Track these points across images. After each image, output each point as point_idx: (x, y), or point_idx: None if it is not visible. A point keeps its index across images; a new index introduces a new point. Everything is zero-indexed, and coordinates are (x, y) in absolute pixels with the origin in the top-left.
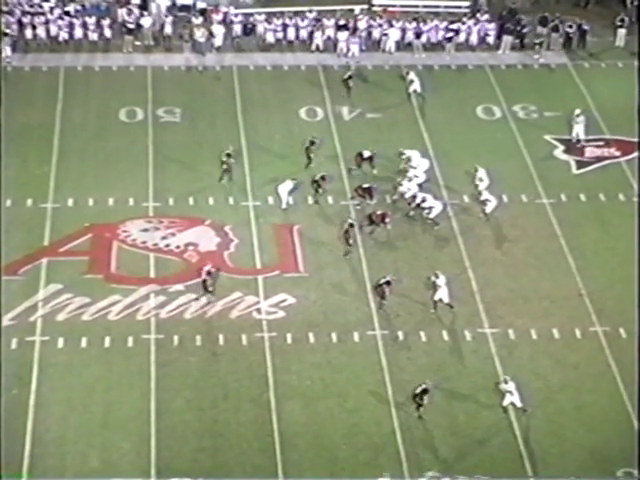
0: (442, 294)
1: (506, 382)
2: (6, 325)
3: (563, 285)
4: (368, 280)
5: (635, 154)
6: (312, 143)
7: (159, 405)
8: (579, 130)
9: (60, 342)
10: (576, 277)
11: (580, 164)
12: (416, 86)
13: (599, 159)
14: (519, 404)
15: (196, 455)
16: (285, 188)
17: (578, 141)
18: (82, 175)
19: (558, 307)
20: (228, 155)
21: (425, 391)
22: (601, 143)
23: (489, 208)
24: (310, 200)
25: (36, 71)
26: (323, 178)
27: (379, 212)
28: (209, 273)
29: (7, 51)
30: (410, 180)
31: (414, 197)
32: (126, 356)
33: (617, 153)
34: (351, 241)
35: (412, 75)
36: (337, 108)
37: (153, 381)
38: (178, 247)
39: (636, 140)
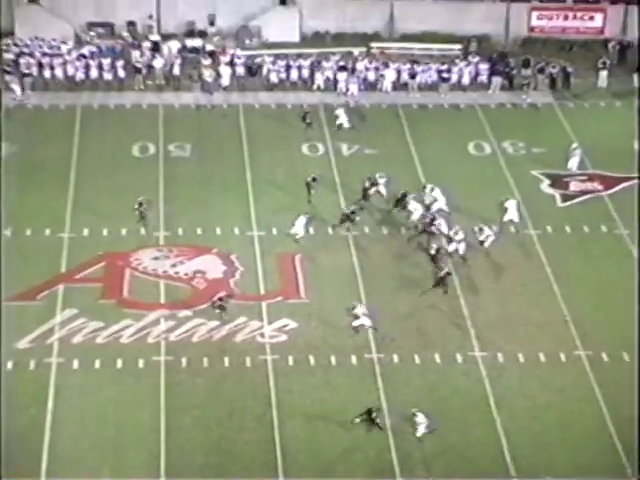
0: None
1: (415, 415)
2: (24, 348)
3: (549, 312)
4: (365, 304)
5: (616, 188)
6: (314, 179)
7: (168, 423)
8: (574, 162)
9: (75, 364)
10: (561, 304)
11: (565, 197)
12: (342, 120)
13: (583, 193)
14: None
15: (203, 470)
16: (300, 222)
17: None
18: (97, 206)
19: (544, 332)
20: (140, 204)
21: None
22: (585, 178)
23: (488, 243)
24: (312, 231)
25: (54, 109)
26: (353, 212)
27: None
28: (221, 299)
29: (16, 90)
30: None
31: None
32: (137, 377)
33: (600, 187)
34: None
35: (339, 110)
36: (337, 144)
37: (163, 401)
38: (187, 274)
39: (617, 175)
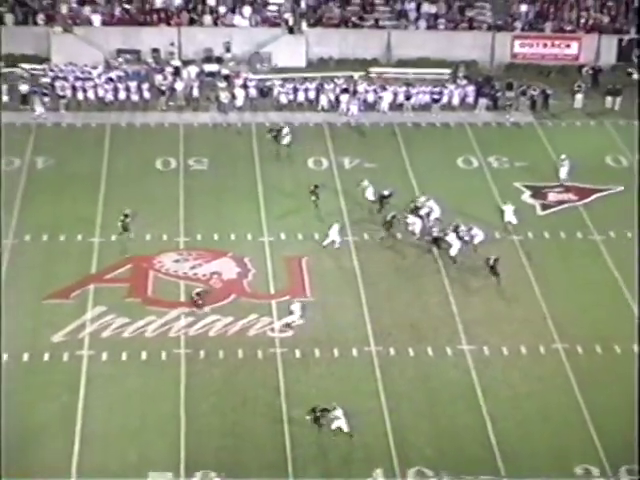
0: None
1: (335, 409)
2: (59, 341)
3: (529, 309)
4: (365, 304)
5: (590, 198)
6: (316, 187)
7: (188, 409)
8: (564, 171)
9: (104, 356)
10: (540, 302)
11: (544, 207)
12: (287, 140)
13: (560, 203)
14: (346, 429)
15: (219, 452)
16: (334, 230)
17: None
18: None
19: (525, 327)
20: (125, 215)
21: (325, 410)
22: (561, 189)
23: (477, 240)
24: (316, 236)
25: (86, 127)
26: (394, 217)
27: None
28: (198, 294)
29: (39, 109)
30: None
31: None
32: (160, 368)
33: (575, 198)
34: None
35: (286, 130)
36: (339, 158)
37: (183, 389)
38: (204, 275)
39: (591, 187)
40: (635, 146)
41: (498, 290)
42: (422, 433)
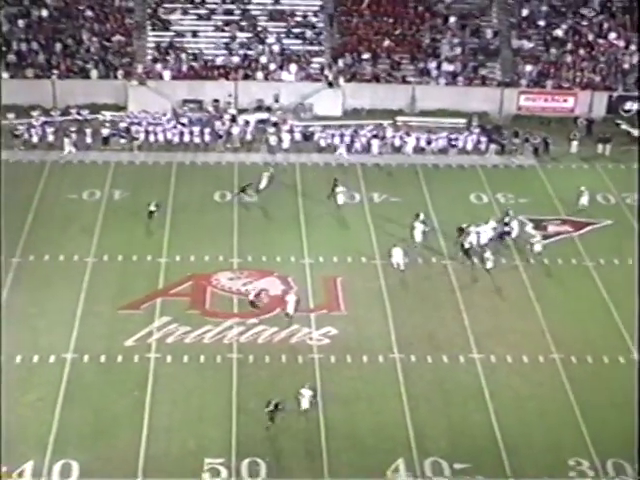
0: None
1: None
2: (130, 345)
3: (531, 324)
4: (390, 317)
5: (583, 230)
6: (335, 180)
7: (238, 405)
8: (584, 200)
9: (168, 358)
10: (540, 318)
11: (544, 237)
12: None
13: (557, 233)
14: (306, 406)
15: (265, 442)
16: (399, 253)
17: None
18: (187, 239)
19: (527, 340)
20: (157, 205)
21: (277, 405)
22: (559, 222)
23: (489, 265)
24: (349, 259)
25: (156, 165)
26: (461, 229)
27: None
28: (257, 295)
29: (68, 148)
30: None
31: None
32: (215, 370)
33: (570, 229)
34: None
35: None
36: (370, 194)
37: (234, 389)
38: (254, 291)
39: (584, 220)
40: (621, 187)
41: (504, 307)
42: (438, 429)
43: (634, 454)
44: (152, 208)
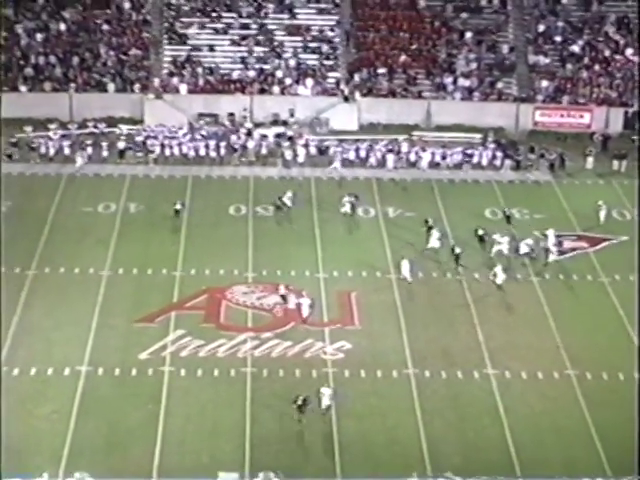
0: None
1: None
2: (145, 358)
3: (546, 340)
4: (404, 332)
5: (599, 246)
6: (356, 197)
7: (252, 418)
8: (603, 215)
9: (182, 372)
10: (555, 334)
11: (559, 252)
12: (347, 208)
13: (573, 249)
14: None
15: (279, 455)
16: (406, 266)
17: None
18: (202, 252)
19: (542, 356)
20: (182, 204)
21: (305, 401)
22: (574, 237)
23: (499, 280)
24: (364, 274)
25: (171, 178)
26: (457, 256)
27: None
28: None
29: (80, 160)
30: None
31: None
32: (229, 383)
33: (585, 245)
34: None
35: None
36: (385, 208)
37: (248, 402)
38: (269, 305)
39: (599, 236)
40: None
41: (519, 323)
42: (452, 444)
43: None
44: (178, 207)
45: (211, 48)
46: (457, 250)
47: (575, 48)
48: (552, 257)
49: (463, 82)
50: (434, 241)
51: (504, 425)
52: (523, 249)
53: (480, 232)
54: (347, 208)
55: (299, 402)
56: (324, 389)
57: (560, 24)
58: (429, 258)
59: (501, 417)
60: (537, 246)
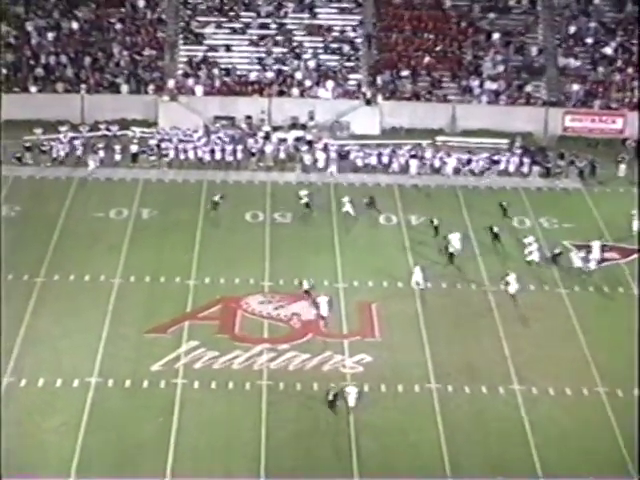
0: None
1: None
2: (156, 370)
3: (575, 354)
4: (427, 345)
5: (631, 257)
6: (371, 199)
7: (267, 434)
8: (635, 225)
9: (196, 384)
10: (585, 349)
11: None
12: (348, 208)
13: (604, 260)
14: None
15: (295, 472)
16: (418, 274)
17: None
18: (216, 260)
19: (570, 371)
20: (221, 197)
21: (336, 395)
22: (606, 248)
23: (512, 289)
24: (385, 284)
25: (186, 183)
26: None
27: None
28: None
29: (93, 164)
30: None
31: None
32: (244, 396)
33: (617, 256)
34: None
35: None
36: (407, 216)
37: (264, 416)
38: (286, 316)
39: (631, 247)
40: None
41: (547, 336)
42: (476, 463)
43: None
44: (216, 199)
45: (228, 48)
46: (451, 249)
47: (607, 50)
48: (590, 268)
49: (490, 85)
50: (456, 242)
51: (530, 444)
52: (576, 262)
53: (495, 229)
54: (348, 208)
55: (330, 397)
56: (349, 388)
57: (592, 25)
58: (456, 268)
59: (527, 435)
60: (586, 258)
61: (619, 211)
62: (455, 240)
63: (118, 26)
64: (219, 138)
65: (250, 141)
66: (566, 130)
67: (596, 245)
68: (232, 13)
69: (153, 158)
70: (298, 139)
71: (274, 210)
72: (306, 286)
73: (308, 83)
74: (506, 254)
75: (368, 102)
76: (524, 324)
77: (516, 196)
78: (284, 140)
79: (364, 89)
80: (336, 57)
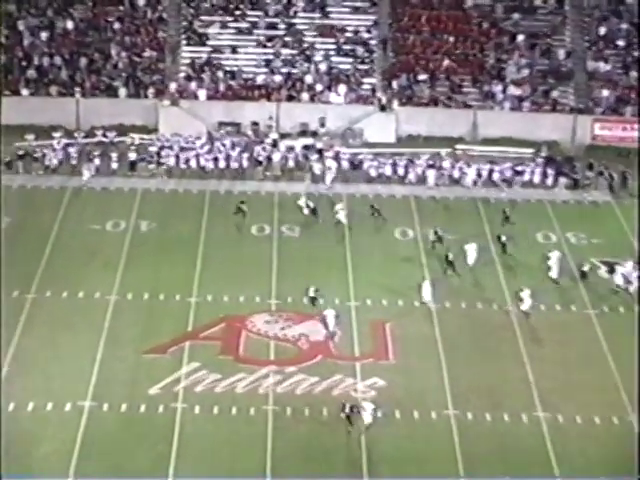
0: None
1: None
2: (155, 393)
3: (604, 380)
4: (445, 368)
5: None
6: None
7: (274, 463)
8: None
9: (197, 409)
10: (614, 374)
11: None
12: (341, 217)
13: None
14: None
15: None
16: (427, 289)
17: None
18: (220, 276)
19: (599, 397)
20: (242, 202)
21: (352, 409)
22: (636, 265)
23: (524, 307)
24: (400, 302)
25: (187, 193)
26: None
27: None
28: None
29: (87, 174)
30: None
31: None
32: (248, 423)
33: None
34: None
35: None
36: (424, 230)
37: (270, 444)
38: (293, 336)
39: None
40: None
41: (573, 360)
42: None
43: None
44: (243, 207)
45: (234, 50)
46: (450, 256)
47: None
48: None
49: (514, 90)
50: (472, 253)
51: (556, 475)
52: (618, 279)
53: (503, 238)
54: (340, 217)
55: (346, 411)
56: (366, 404)
57: (624, 26)
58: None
59: (552, 466)
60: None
61: None
62: (471, 251)
63: (116, 25)
64: (223, 145)
65: (257, 149)
66: (595, 139)
67: (629, 265)
68: (238, 12)
69: (152, 166)
70: (308, 147)
71: (282, 223)
72: (311, 293)
73: (319, 87)
74: (529, 270)
75: (383, 108)
76: (550, 347)
77: (541, 209)
78: (293, 148)
79: (379, 94)
80: (349, 60)
